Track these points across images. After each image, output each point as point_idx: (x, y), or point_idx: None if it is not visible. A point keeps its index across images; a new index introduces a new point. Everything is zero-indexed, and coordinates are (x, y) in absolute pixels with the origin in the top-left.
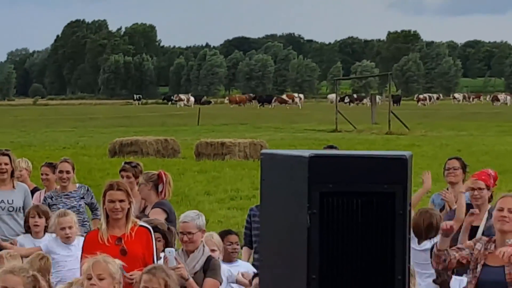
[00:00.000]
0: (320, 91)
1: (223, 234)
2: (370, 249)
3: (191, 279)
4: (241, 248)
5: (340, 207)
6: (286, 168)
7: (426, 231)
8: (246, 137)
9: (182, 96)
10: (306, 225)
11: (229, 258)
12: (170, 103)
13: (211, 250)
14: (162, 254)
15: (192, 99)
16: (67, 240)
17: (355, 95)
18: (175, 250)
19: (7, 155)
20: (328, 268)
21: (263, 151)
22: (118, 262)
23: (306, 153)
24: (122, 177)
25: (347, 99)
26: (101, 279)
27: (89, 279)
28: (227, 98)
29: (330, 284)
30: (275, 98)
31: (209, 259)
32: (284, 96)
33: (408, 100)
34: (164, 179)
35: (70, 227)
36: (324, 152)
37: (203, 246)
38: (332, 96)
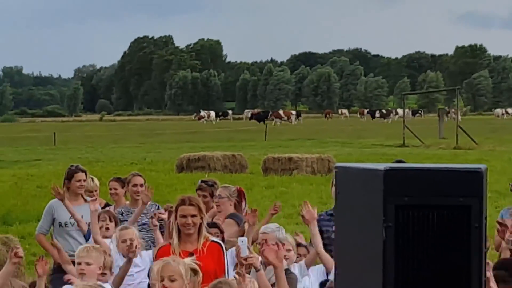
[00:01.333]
0: (388, 106)
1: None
2: (446, 263)
3: (262, 271)
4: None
5: (416, 220)
6: (361, 181)
7: None
8: (313, 152)
9: (203, 113)
10: (381, 238)
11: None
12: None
13: (286, 250)
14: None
15: (212, 114)
16: (129, 253)
17: (384, 111)
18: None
19: (85, 172)
20: (404, 281)
21: (337, 164)
22: (188, 261)
23: (381, 166)
24: (199, 195)
25: (377, 114)
26: (172, 281)
27: (161, 281)
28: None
29: None
30: (271, 113)
31: (285, 271)
32: (280, 112)
33: (476, 114)
34: (245, 196)
35: (131, 240)
36: (399, 165)
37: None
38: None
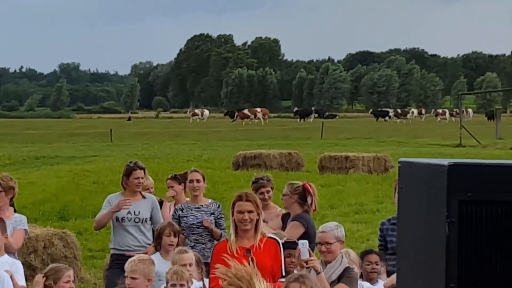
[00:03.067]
0: (444, 105)
1: (363, 254)
2: (509, 258)
3: (322, 274)
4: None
5: (479, 216)
6: (424, 176)
7: None
8: (369, 151)
9: (197, 111)
10: (444, 233)
11: (368, 277)
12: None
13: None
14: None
15: (206, 113)
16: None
17: (399, 110)
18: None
19: (143, 169)
20: (467, 277)
21: (401, 159)
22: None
23: (445, 161)
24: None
25: (391, 112)
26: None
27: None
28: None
29: None
30: (237, 114)
31: (346, 269)
32: (246, 111)
33: None
34: (311, 190)
35: (190, 264)
36: (463, 161)
37: (342, 257)
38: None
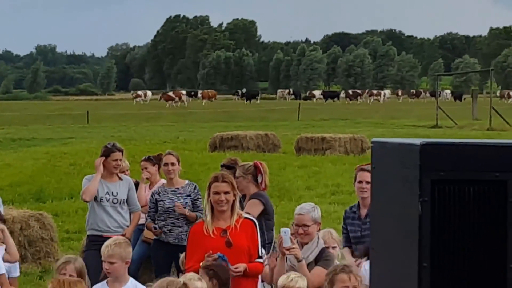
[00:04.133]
0: (420, 87)
1: None
2: (482, 238)
3: (303, 261)
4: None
5: (452, 195)
6: (397, 156)
7: None
8: (346, 132)
9: (140, 92)
10: (417, 213)
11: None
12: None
13: (332, 248)
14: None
15: (149, 94)
16: None
17: (350, 92)
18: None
19: (122, 151)
20: (439, 256)
21: (374, 139)
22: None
23: (417, 141)
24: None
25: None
26: None
27: None
28: (200, 93)
29: (441, 272)
30: (160, 96)
31: (322, 250)
32: (170, 93)
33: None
34: (262, 169)
35: None
36: (435, 140)
37: (318, 238)
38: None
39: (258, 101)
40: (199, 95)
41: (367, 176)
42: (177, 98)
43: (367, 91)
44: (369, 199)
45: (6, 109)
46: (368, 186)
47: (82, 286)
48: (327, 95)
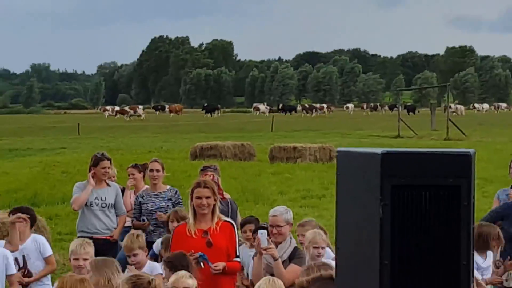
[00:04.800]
0: (384, 101)
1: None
2: (438, 237)
3: (279, 260)
4: None
5: (410, 199)
6: (360, 164)
7: None
8: (316, 142)
9: (107, 107)
10: (378, 215)
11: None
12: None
13: (321, 248)
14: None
15: (116, 108)
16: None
17: (307, 105)
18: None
19: (110, 159)
20: (399, 254)
21: (339, 148)
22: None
23: (378, 150)
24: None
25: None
26: None
27: None
28: (167, 107)
29: (401, 268)
30: (117, 110)
31: (295, 249)
32: (126, 108)
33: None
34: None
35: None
36: (395, 149)
37: (290, 238)
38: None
39: (219, 114)
40: (167, 109)
41: None
42: (132, 112)
43: (324, 105)
44: None
45: (3, 122)
46: None
47: (88, 284)
48: (286, 109)
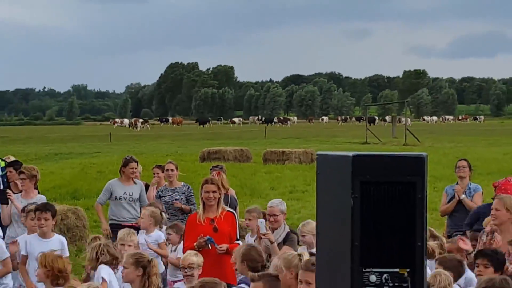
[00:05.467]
0: (354, 114)
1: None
2: (397, 223)
3: (275, 244)
4: None
5: (375, 193)
6: (335, 165)
7: None
8: (300, 147)
9: (117, 120)
10: (350, 206)
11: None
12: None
13: (302, 236)
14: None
15: (126, 121)
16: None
17: (282, 118)
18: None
19: (137, 161)
20: (367, 237)
21: (318, 152)
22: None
23: (350, 153)
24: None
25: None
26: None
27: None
28: (170, 119)
29: (368, 249)
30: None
31: (288, 234)
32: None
33: (418, 121)
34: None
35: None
36: (363, 153)
37: (284, 225)
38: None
39: (210, 125)
40: (170, 121)
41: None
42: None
43: (291, 118)
44: None
45: (50, 132)
46: None
47: (66, 261)
48: (267, 121)
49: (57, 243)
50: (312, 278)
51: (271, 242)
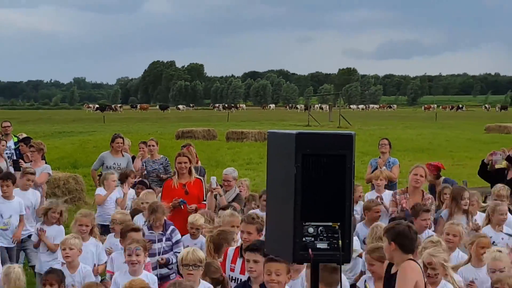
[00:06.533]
0: (299, 103)
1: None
2: (331, 187)
3: (223, 197)
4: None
5: (314, 163)
6: (282, 140)
7: None
8: (255, 128)
9: (90, 105)
10: (293, 173)
11: None
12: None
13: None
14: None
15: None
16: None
17: (232, 105)
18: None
19: (122, 137)
20: (306, 198)
21: (269, 130)
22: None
23: (294, 131)
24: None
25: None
26: None
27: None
28: (138, 106)
29: (307, 207)
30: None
31: (237, 195)
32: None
33: (349, 109)
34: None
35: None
36: (305, 131)
37: (235, 187)
38: (301, 106)
39: (169, 111)
40: (138, 107)
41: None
42: (114, 108)
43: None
44: None
45: (55, 115)
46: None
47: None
48: (230, 107)
49: (17, 204)
50: (252, 229)
51: (220, 195)
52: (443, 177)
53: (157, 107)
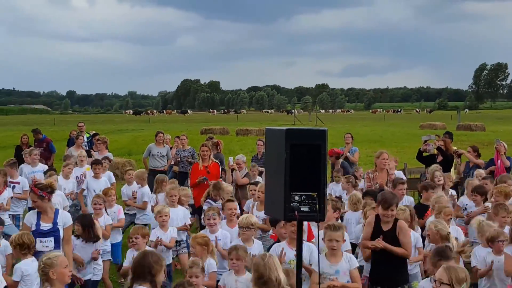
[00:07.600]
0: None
1: None
2: (310, 167)
3: (238, 172)
4: None
5: (298, 150)
6: (276, 134)
7: None
8: (257, 126)
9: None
10: (284, 158)
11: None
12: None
13: (238, 164)
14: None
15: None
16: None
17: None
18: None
19: (163, 133)
20: (293, 175)
21: (267, 128)
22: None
23: (284, 128)
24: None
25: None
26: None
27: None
28: (165, 112)
29: (294, 181)
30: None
31: (247, 173)
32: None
33: (326, 113)
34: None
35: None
36: (292, 127)
37: (245, 168)
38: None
39: (185, 115)
40: (165, 112)
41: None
42: (150, 114)
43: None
44: None
45: (115, 118)
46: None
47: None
48: (236, 112)
49: (104, 182)
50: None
51: (235, 170)
52: (341, 160)
53: (175, 111)
